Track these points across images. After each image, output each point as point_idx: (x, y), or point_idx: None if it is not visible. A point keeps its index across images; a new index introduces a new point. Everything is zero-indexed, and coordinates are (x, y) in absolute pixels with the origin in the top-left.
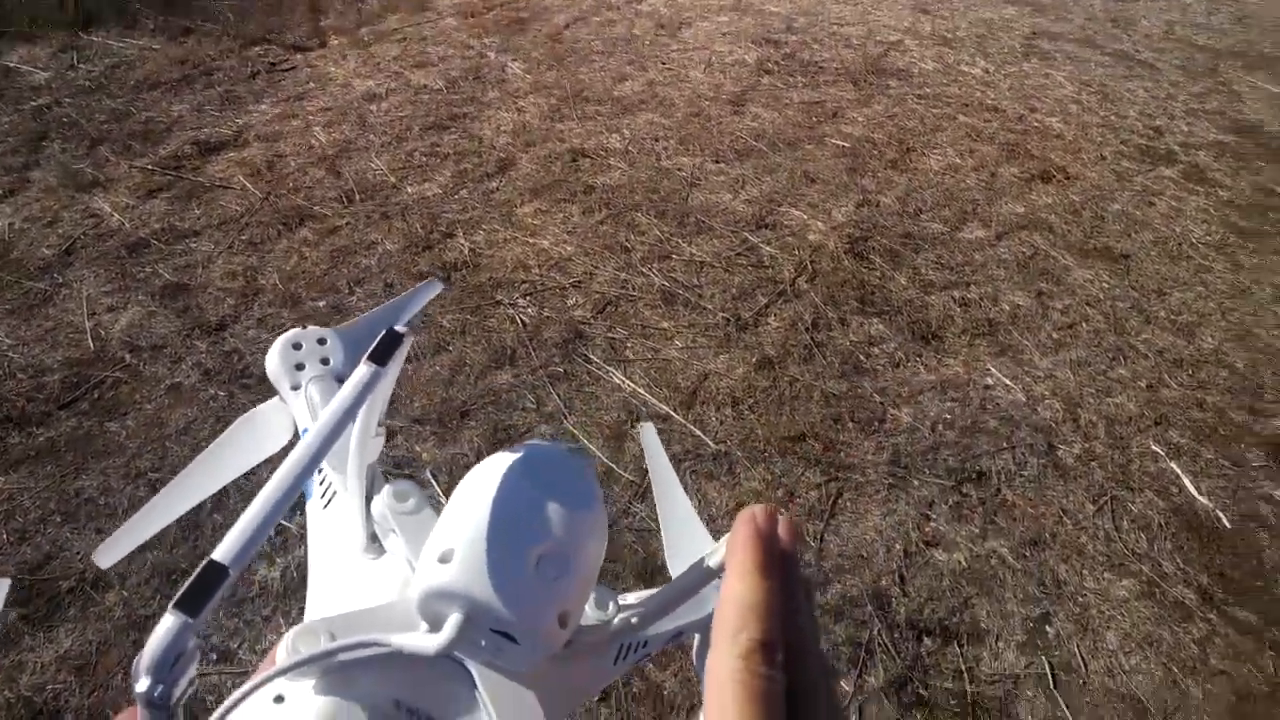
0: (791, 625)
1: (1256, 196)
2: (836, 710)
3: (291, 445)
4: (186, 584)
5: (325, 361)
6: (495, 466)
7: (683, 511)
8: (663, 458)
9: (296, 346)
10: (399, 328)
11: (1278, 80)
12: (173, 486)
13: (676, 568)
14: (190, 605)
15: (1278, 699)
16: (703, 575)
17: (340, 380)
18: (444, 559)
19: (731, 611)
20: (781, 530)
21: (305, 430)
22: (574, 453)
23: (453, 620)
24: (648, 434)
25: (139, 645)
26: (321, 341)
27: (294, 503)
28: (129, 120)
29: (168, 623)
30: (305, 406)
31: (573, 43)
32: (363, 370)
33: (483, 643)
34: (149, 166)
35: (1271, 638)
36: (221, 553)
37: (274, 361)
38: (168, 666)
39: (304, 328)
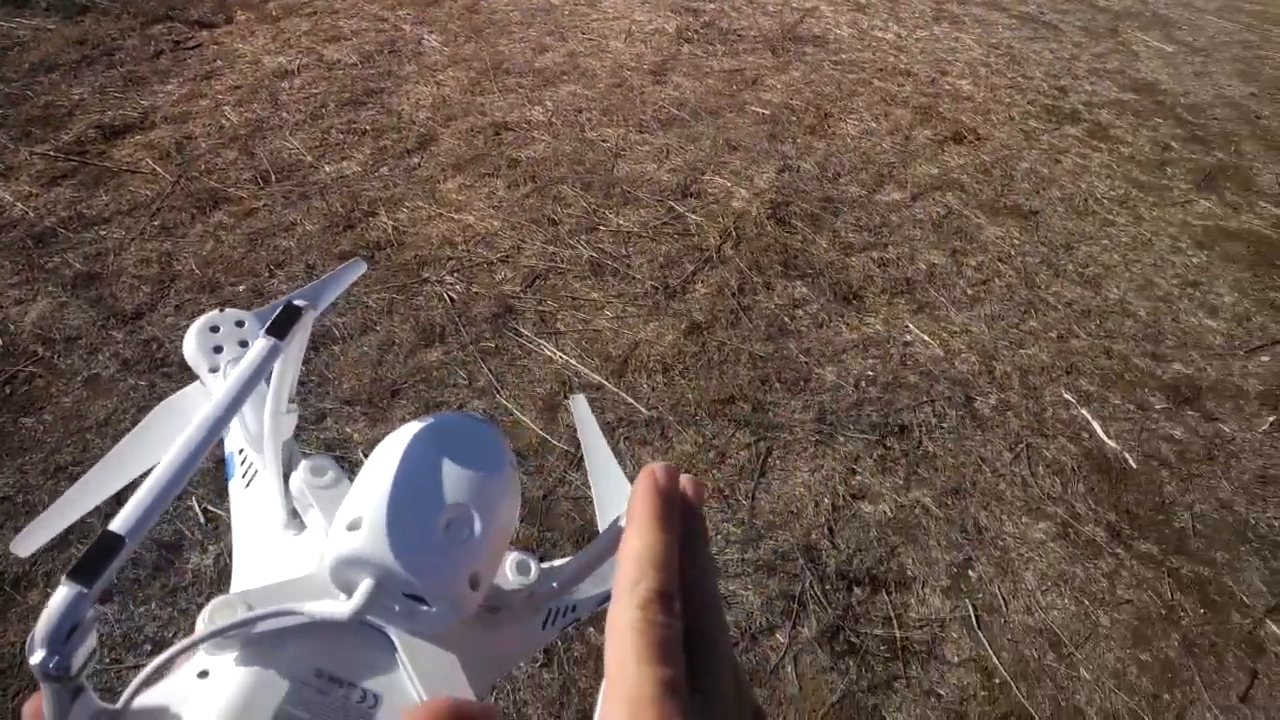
0: (690, 576)
1: (1155, 152)
2: (729, 657)
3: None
4: (82, 554)
5: (244, 344)
6: (402, 436)
7: (614, 479)
8: (594, 427)
9: (214, 329)
10: (297, 301)
11: (1171, 40)
12: (92, 474)
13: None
14: (85, 575)
15: (1172, 619)
16: (617, 536)
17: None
18: (352, 526)
19: (630, 564)
20: (685, 485)
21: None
22: (481, 420)
23: (363, 586)
24: (579, 405)
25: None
26: (239, 324)
27: (192, 476)
28: (26, 105)
29: (62, 592)
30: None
31: (490, 14)
32: (261, 343)
33: (396, 608)
34: (51, 153)
35: (1170, 565)
36: (119, 523)
37: (191, 345)
38: (63, 637)
39: (221, 310)
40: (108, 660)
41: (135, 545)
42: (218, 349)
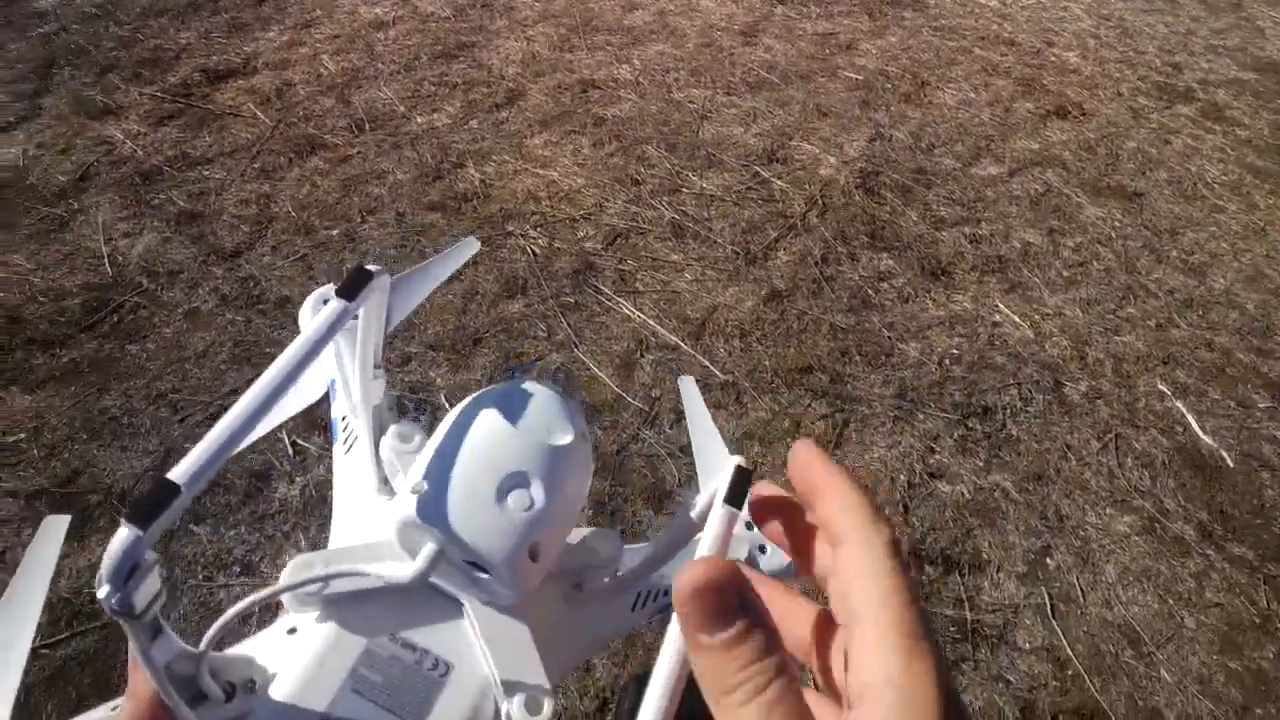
0: None
1: (1275, 136)
2: None
3: (325, 398)
4: (140, 498)
5: (355, 316)
6: (475, 404)
7: (717, 454)
8: (702, 409)
9: (326, 300)
10: (370, 266)
11: None
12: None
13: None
14: (141, 519)
15: (1268, 629)
16: (704, 515)
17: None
18: (415, 490)
19: (859, 509)
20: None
21: (333, 382)
22: (554, 388)
23: (425, 551)
24: (687, 386)
25: (165, 556)
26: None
27: (250, 434)
28: (137, 47)
29: (120, 535)
30: (334, 360)
31: None
32: (331, 305)
33: (460, 575)
34: (159, 94)
35: (1267, 572)
36: (177, 473)
37: (305, 316)
38: (123, 577)
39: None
40: (201, 577)
41: (192, 495)
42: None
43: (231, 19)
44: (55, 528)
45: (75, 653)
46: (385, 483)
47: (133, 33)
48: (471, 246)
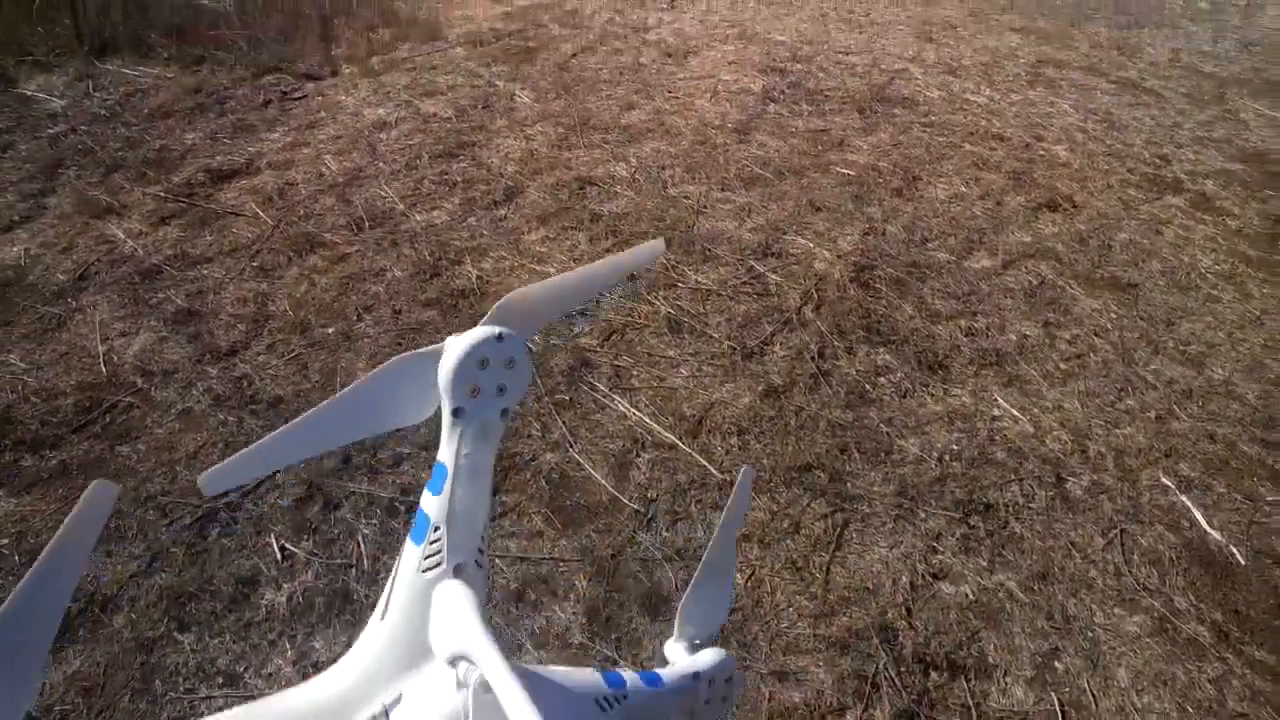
0: None
1: (1265, 225)
2: None
3: (428, 426)
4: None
5: (501, 390)
6: None
7: (723, 571)
8: (743, 505)
9: (483, 364)
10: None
11: None
12: (299, 424)
13: (686, 627)
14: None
15: None
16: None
17: (505, 413)
18: None
19: None
20: None
21: (440, 465)
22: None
23: None
24: (744, 478)
25: (146, 667)
26: (510, 364)
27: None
28: (143, 147)
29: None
30: (454, 440)
31: (580, 71)
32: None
33: None
34: (162, 193)
35: None
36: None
37: (447, 373)
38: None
39: (499, 338)
40: (182, 689)
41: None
42: (475, 391)
43: (237, 120)
44: (104, 495)
45: None
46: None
47: (140, 133)
48: (658, 248)
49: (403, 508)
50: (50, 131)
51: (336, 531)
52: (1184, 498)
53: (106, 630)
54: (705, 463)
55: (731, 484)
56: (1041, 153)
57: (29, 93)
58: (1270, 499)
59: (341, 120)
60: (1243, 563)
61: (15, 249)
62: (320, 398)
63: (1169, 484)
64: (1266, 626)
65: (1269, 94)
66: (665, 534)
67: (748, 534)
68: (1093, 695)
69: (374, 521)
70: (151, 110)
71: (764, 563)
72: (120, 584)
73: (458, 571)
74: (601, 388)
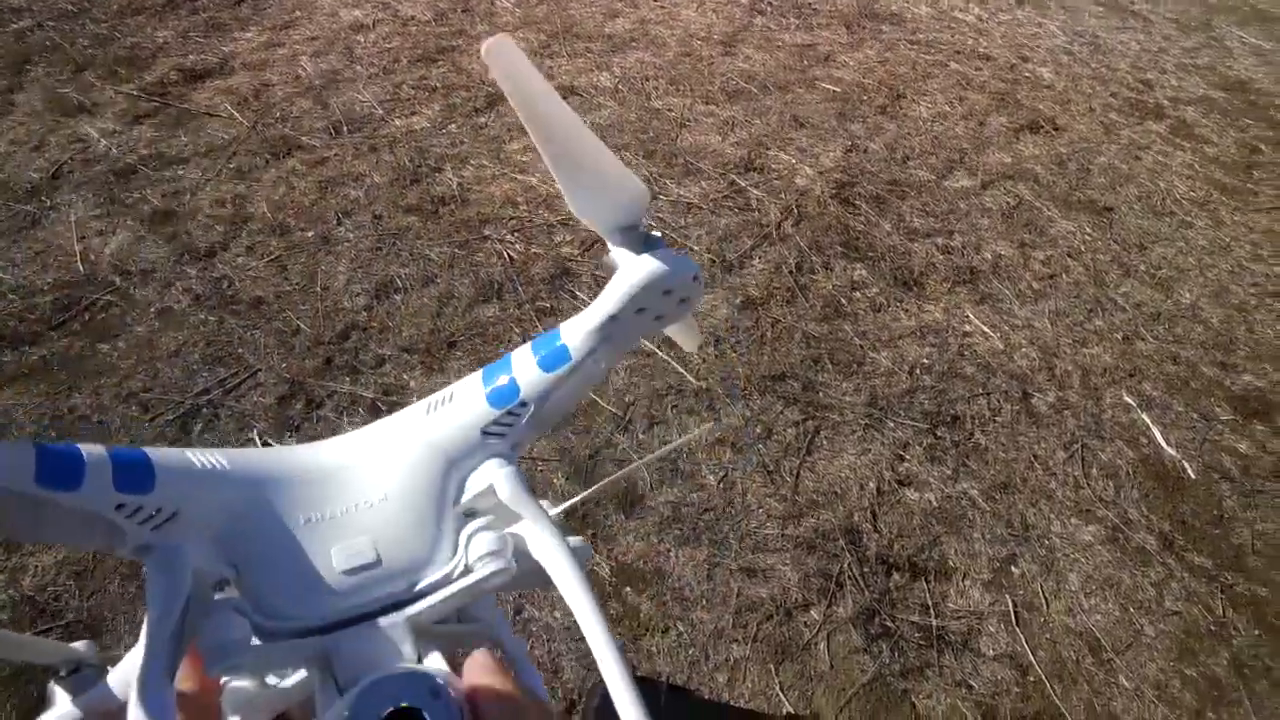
0: None
1: (1242, 154)
2: None
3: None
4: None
5: (658, 319)
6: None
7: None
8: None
9: (668, 292)
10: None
11: (1270, 36)
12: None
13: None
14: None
15: (1223, 637)
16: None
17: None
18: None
19: None
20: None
21: (563, 345)
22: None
23: None
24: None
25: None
26: (681, 303)
27: None
28: (113, 45)
29: None
30: (593, 336)
31: None
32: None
33: None
34: (135, 92)
35: (1224, 581)
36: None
37: (658, 270)
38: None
39: (694, 278)
40: None
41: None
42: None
43: (209, 19)
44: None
45: None
46: None
47: (109, 31)
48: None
49: (384, 408)
50: (15, 26)
51: (320, 429)
52: (1144, 415)
53: None
54: (682, 370)
55: (707, 390)
56: (1026, 74)
57: None
58: (1224, 418)
59: (317, 21)
60: (1193, 477)
61: None
62: (301, 300)
63: (1131, 402)
64: (1207, 535)
65: (1256, 21)
66: (641, 437)
67: (721, 438)
68: (1045, 598)
69: (356, 420)
70: (121, 7)
71: (736, 465)
72: None
73: (508, 459)
74: (582, 295)
